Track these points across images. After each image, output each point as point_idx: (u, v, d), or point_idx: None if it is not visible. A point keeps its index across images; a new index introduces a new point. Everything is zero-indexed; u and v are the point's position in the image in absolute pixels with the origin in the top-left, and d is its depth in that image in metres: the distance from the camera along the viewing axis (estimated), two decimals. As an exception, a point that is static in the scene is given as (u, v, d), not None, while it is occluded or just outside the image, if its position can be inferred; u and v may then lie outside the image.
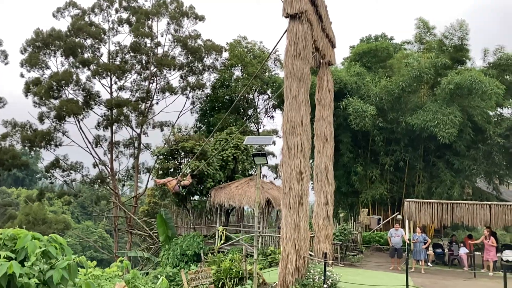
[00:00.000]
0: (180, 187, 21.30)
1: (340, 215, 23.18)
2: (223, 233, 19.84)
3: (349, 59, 32.09)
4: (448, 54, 26.31)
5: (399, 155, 25.82)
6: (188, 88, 34.91)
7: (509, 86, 25.57)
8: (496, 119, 26.18)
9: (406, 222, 18.53)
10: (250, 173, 25.60)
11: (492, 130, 23.78)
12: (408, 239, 17.45)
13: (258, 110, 36.19)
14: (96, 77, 33.51)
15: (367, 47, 30.08)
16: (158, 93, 35.24)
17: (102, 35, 34.22)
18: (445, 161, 25.04)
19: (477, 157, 24.25)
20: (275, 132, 37.89)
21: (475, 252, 18.21)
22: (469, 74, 22.63)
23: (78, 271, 4.63)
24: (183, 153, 22.20)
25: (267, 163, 13.66)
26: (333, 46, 18.65)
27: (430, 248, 18.49)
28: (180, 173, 20.86)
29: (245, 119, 34.45)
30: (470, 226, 18.68)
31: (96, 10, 34.54)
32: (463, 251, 17.90)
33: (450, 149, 24.66)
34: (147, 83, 35.15)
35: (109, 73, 33.72)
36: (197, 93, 35.30)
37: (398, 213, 23.63)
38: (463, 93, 23.02)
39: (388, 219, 25.01)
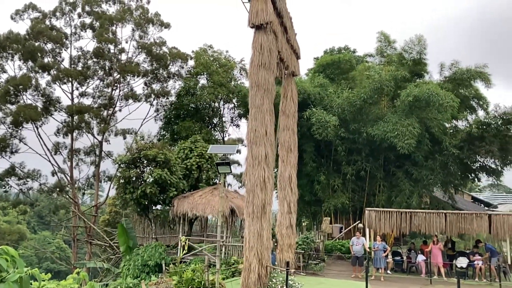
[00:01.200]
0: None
1: (303, 224, 23.40)
2: (185, 243, 19.52)
3: (313, 70, 32.71)
4: (407, 67, 27.29)
5: (360, 164, 26.42)
6: (152, 95, 34.47)
7: (463, 100, 26.79)
8: (451, 131, 27.31)
9: (367, 230, 18.93)
10: (214, 182, 25.47)
11: (448, 141, 24.78)
12: (369, 248, 17.83)
13: (224, 118, 36.21)
14: (57, 83, 32.56)
15: (331, 59, 30.80)
16: (121, 100, 34.60)
17: (64, 40, 33.32)
18: (404, 171, 25.84)
19: (434, 167, 25.15)
20: (240, 140, 37.98)
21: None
22: (426, 87, 23.55)
23: (31, 284, 4.45)
24: (145, 161, 21.82)
25: (231, 172, 13.63)
26: (298, 57, 18.99)
27: (390, 256, 18.94)
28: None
29: (210, 127, 34.34)
30: (427, 234, 19.23)
31: (57, 14, 33.64)
32: (420, 258, 18.46)
33: (409, 159, 25.47)
34: (110, 90, 34.45)
35: (70, 79, 32.84)
36: (161, 101, 34.93)
37: (359, 221, 24.10)
38: (421, 105, 23.90)
39: (349, 227, 25.46)
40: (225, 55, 35.87)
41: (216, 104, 35.08)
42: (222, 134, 36.14)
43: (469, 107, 28.21)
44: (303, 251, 18.46)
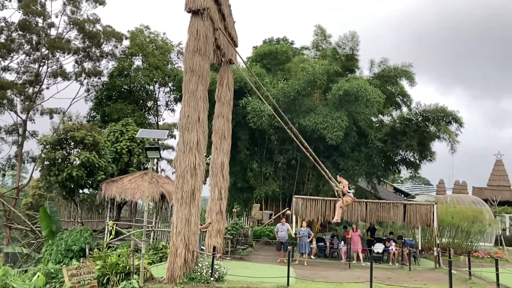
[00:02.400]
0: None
1: (233, 210, 23.80)
2: (113, 227, 19.19)
3: (250, 59, 32.95)
4: (340, 62, 28.41)
5: (291, 154, 27.22)
6: (83, 74, 32.87)
7: (389, 96, 28.48)
8: (377, 125, 28.96)
9: (293, 217, 19.70)
10: (146, 167, 25.04)
11: (373, 135, 26.26)
12: (295, 233, 18.61)
13: (159, 102, 35.48)
14: (-25, 54, 30.02)
15: (268, 49, 31.21)
16: (49, 77, 32.61)
17: (-16, 9, 30.70)
18: (332, 161, 27.02)
19: (359, 158, 26.58)
20: (175, 126, 37.47)
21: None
22: (356, 82, 24.72)
23: None
24: (72, 143, 20.91)
25: (160, 157, 13.58)
26: (235, 45, 19.11)
27: (314, 242, 19.90)
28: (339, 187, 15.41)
29: (144, 111, 33.53)
30: (349, 221, 20.42)
31: (-23, -21, 30.87)
32: (342, 244, 19.60)
33: (337, 150, 26.68)
34: (37, 66, 32.34)
35: (-9, 51, 30.39)
36: (93, 80, 33.41)
37: (287, 208, 24.93)
38: (351, 100, 25.04)
39: (279, 214, 26.27)
40: (162, 37, 35.05)
41: (151, 87, 34.25)
42: (156, 118, 35.46)
43: (395, 103, 30.06)
44: (231, 237, 18.84)
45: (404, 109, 29.62)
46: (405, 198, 41.13)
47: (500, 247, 23.95)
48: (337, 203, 15.48)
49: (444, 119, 25.36)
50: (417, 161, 28.25)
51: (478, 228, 21.83)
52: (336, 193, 15.18)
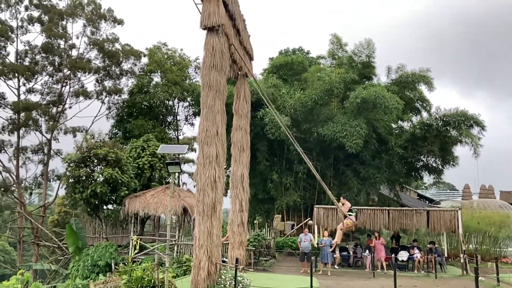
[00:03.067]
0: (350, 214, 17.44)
1: (255, 222, 23.85)
2: (137, 242, 19.48)
3: (267, 71, 33.24)
4: (357, 70, 28.41)
5: (311, 163, 27.16)
6: (104, 93, 33.74)
7: (408, 102, 28.27)
8: (397, 131, 28.72)
9: (315, 227, 19.63)
10: (167, 181, 25.41)
11: (394, 141, 26.08)
12: (317, 243, 18.54)
13: (178, 117, 36.03)
14: (1, 78, 31.14)
15: (284, 60, 31.48)
16: (72, 97, 33.64)
17: (9, 33, 31.93)
18: (353, 170, 26.91)
19: (380, 166, 26.37)
20: (195, 139, 37.91)
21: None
22: (374, 89, 24.65)
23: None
24: (96, 160, 21.45)
25: (181, 171, 13.84)
26: (251, 58, 19.35)
27: (337, 252, 19.76)
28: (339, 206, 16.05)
29: (164, 126, 34.08)
30: (372, 229, 20.22)
31: (2, 5, 32.17)
32: (366, 253, 19.40)
33: (357, 159, 26.55)
34: (59, 86, 33.41)
35: (16, 74, 31.52)
36: (113, 98, 34.24)
37: (309, 218, 24.85)
38: (369, 107, 24.98)
39: (300, 224, 26.20)
40: (179, 53, 35.70)
41: (170, 103, 34.86)
42: (176, 132, 35.99)
43: (414, 108, 29.78)
44: (254, 248, 18.89)
45: (424, 114, 29.31)
46: (429, 204, 40.45)
47: (530, 252, 23.28)
48: (339, 225, 15.51)
49: (465, 123, 25.02)
50: (440, 167, 27.87)
51: (506, 233, 21.31)
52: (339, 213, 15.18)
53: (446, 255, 19.89)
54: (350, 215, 14.59)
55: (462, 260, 17.69)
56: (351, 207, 15.54)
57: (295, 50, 37.69)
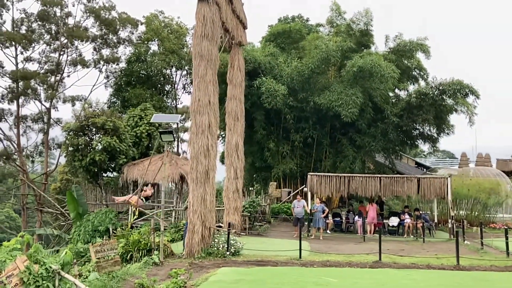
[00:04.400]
0: (143, 199, 20.46)
1: (250, 189, 24.40)
2: (136, 208, 20.09)
3: (265, 39, 33.00)
4: (354, 38, 28.17)
5: (308, 132, 27.48)
6: (102, 62, 33.73)
7: (405, 70, 28.26)
8: (393, 100, 28.83)
9: (309, 194, 20.16)
10: (167, 149, 25.79)
11: (389, 110, 26.24)
12: (310, 209, 19.11)
13: (176, 86, 36.09)
14: (-2, 47, 31.15)
15: (282, 28, 31.19)
16: (69, 65, 33.70)
17: (5, 0, 31.64)
18: (349, 138, 27.22)
19: (376, 134, 26.65)
20: (194, 108, 38.03)
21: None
22: (370, 58, 24.59)
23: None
24: (94, 129, 21.81)
25: (174, 140, 14.18)
26: (245, 27, 19.33)
27: (330, 217, 20.36)
28: (139, 187, 19.57)
29: (162, 95, 34.22)
30: (364, 196, 20.78)
31: (-4, -28, 31.73)
32: (358, 219, 20.00)
33: (353, 127, 26.80)
34: (57, 55, 33.41)
35: (13, 43, 31.46)
36: (111, 67, 34.28)
37: (304, 186, 25.38)
38: (365, 76, 24.96)
39: (296, 191, 26.77)
40: (176, 21, 35.39)
41: (168, 71, 34.84)
42: (175, 101, 36.15)
43: (412, 77, 29.76)
44: (249, 214, 19.49)
45: (422, 83, 29.33)
46: (425, 172, 40.97)
47: (519, 218, 23.92)
48: None
49: (461, 91, 25.10)
50: (435, 135, 28.16)
51: (495, 199, 21.83)
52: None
53: (436, 220, 20.50)
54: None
55: (450, 225, 18.29)
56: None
57: (294, 17, 37.22)
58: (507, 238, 13.36)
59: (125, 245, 12.93)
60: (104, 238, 13.24)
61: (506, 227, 14.13)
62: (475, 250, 15.02)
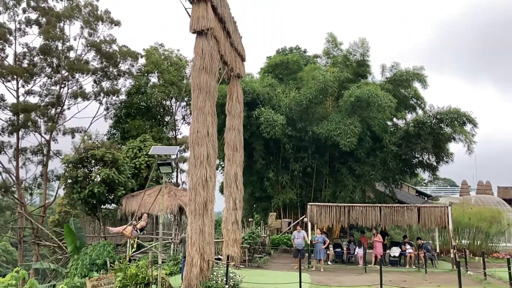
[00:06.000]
0: (138, 231, 20.23)
1: (250, 219, 24.19)
2: (134, 241, 19.85)
3: (263, 70, 33.51)
4: (351, 68, 28.66)
5: (307, 161, 27.51)
6: (102, 94, 34.14)
7: (403, 99, 28.57)
8: (392, 129, 29.00)
9: (309, 224, 19.97)
10: (165, 180, 25.74)
11: (388, 139, 26.36)
12: (310, 240, 18.89)
13: (176, 117, 36.38)
14: (0, 80, 31.56)
15: (280, 59, 31.73)
16: (70, 98, 34.09)
17: (7, 36, 32.32)
18: (348, 167, 27.20)
19: (375, 163, 26.67)
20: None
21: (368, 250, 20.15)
22: (367, 88, 24.93)
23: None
24: (93, 161, 21.82)
25: (172, 171, 14.18)
26: (243, 59, 19.67)
27: (331, 248, 20.12)
28: (133, 218, 19.45)
29: (161, 126, 34.44)
30: (364, 226, 20.57)
31: (0, 8, 32.55)
32: (359, 249, 19.75)
33: (352, 156, 26.84)
34: (58, 88, 33.81)
35: (15, 76, 31.92)
36: (111, 99, 34.67)
37: (305, 216, 25.19)
38: (363, 105, 25.23)
39: (297, 221, 26.53)
40: (176, 53, 36.08)
41: (168, 103, 35.21)
42: (174, 132, 36.34)
43: (409, 106, 30.05)
44: (249, 246, 19.24)
45: (420, 111, 29.56)
46: (426, 200, 40.71)
47: (523, 247, 23.62)
48: None
49: (458, 120, 25.29)
50: (434, 163, 28.17)
51: (497, 228, 21.62)
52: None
53: (438, 250, 20.23)
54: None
55: (452, 255, 18.04)
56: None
57: (292, 48, 37.96)
58: (509, 268, 13.16)
59: (122, 279, 12.71)
60: (101, 271, 13.02)
61: (508, 257, 13.91)
62: (479, 281, 14.78)
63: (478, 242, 22.04)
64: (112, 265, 14.92)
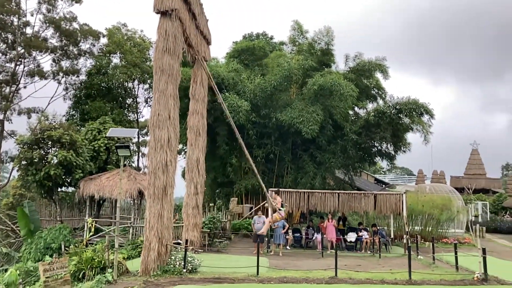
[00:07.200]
0: (282, 207, 17.33)
1: (211, 205, 24.22)
2: (92, 225, 19.51)
3: (229, 55, 33.23)
4: (316, 57, 28.87)
5: (270, 148, 27.70)
6: (61, 73, 32.87)
7: (364, 89, 29.13)
8: (353, 118, 29.61)
9: (270, 209, 20.17)
10: (125, 164, 25.28)
11: (349, 128, 26.92)
12: (270, 226, 19.11)
13: (138, 99, 35.64)
14: (-51, 55, 29.81)
15: (246, 45, 31.53)
16: (26, 76, 32.58)
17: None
18: (310, 154, 27.63)
19: (335, 151, 27.20)
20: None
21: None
22: (330, 77, 25.25)
23: None
24: (50, 142, 21.09)
25: (131, 155, 13.95)
26: (208, 43, 19.45)
27: (290, 233, 20.47)
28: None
29: (123, 108, 33.66)
30: (323, 212, 21.06)
31: (-50, -22, 30.54)
32: (317, 234, 20.21)
33: (314, 144, 27.25)
34: (13, 65, 32.23)
35: (-35, 51, 30.23)
36: (71, 79, 33.44)
37: (265, 201, 25.43)
38: (325, 94, 25.56)
39: (258, 207, 26.78)
40: (139, 34, 35.16)
41: (130, 85, 34.38)
42: (136, 115, 35.61)
43: (371, 96, 30.70)
44: (209, 230, 19.30)
45: (380, 101, 30.29)
46: (384, 187, 42.07)
47: (470, 233, 24.88)
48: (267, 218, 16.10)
49: (416, 111, 26.10)
50: (392, 152, 29.06)
51: (447, 215, 22.68)
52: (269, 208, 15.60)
53: (392, 236, 21.02)
54: (280, 209, 15.02)
55: (404, 241, 18.80)
56: (282, 201, 16.05)
57: (258, 34, 37.84)
58: (456, 253, 13.88)
59: (77, 263, 12.48)
60: (54, 256, 12.72)
61: (456, 242, 14.66)
62: (427, 265, 15.49)
63: (430, 228, 23.06)
64: (67, 249, 14.61)
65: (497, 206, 38.71)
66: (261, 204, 26.30)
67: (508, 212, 39.08)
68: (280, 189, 21.44)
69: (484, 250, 12.35)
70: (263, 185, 15.30)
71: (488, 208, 37.48)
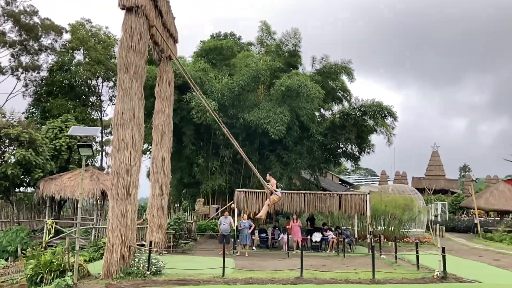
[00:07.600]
0: (277, 190, 16.53)
1: (176, 206, 23.91)
2: (52, 226, 18.82)
3: (196, 54, 32.93)
4: (283, 58, 29.07)
5: (237, 148, 27.57)
6: (20, 69, 31.65)
7: (331, 91, 29.57)
8: (319, 119, 29.99)
9: (236, 210, 20.16)
10: (87, 163, 24.59)
11: (315, 129, 27.22)
12: (236, 226, 19.09)
13: (102, 97, 34.74)
14: None
15: (214, 44, 31.37)
16: (-18, 71, 31.15)
17: None
18: (276, 155, 27.77)
19: (302, 151, 27.47)
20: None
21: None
22: (297, 78, 25.47)
23: None
24: (7, 141, 20.19)
25: (93, 154, 13.54)
26: (175, 41, 19.18)
27: (256, 233, 20.48)
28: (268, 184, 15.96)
29: (86, 106, 32.73)
30: (290, 212, 21.16)
31: None
32: (283, 235, 20.30)
33: (281, 144, 27.41)
34: (-32, 59, 30.75)
35: None
36: (31, 75, 32.23)
37: (232, 202, 25.36)
38: (292, 95, 25.76)
39: (224, 207, 26.66)
40: (104, 31, 34.32)
41: (94, 82, 33.46)
42: (100, 113, 34.71)
43: (336, 98, 31.20)
44: (174, 232, 19.02)
45: (346, 103, 30.82)
46: (348, 188, 42.86)
47: (431, 232, 25.68)
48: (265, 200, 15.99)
49: (380, 113, 26.72)
50: (357, 153, 29.64)
51: (409, 215, 23.32)
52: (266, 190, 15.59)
53: (356, 236, 21.39)
54: (276, 191, 15.04)
55: (368, 241, 19.17)
56: (276, 183, 16.04)
57: (226, 34, 37.68)
58: (417, 252, 14.27)
59: (35, 267, 11.97)
60: (9, 259, 12.17)
61: (417, 241, 15.08)
62: (390, 264, 15.85)
63: (392, 228, 23.64)
64: (24, 252, 14.02)
65: (455, 206, 40.25)
66: (228, 204, 26.24)
67: (465, 212, 40.71)
68: (247, 190, 21.50)
69: (443, 249, 12.75)
70: (258, 174, 15.09)
71: (447, 208, 38.89)
